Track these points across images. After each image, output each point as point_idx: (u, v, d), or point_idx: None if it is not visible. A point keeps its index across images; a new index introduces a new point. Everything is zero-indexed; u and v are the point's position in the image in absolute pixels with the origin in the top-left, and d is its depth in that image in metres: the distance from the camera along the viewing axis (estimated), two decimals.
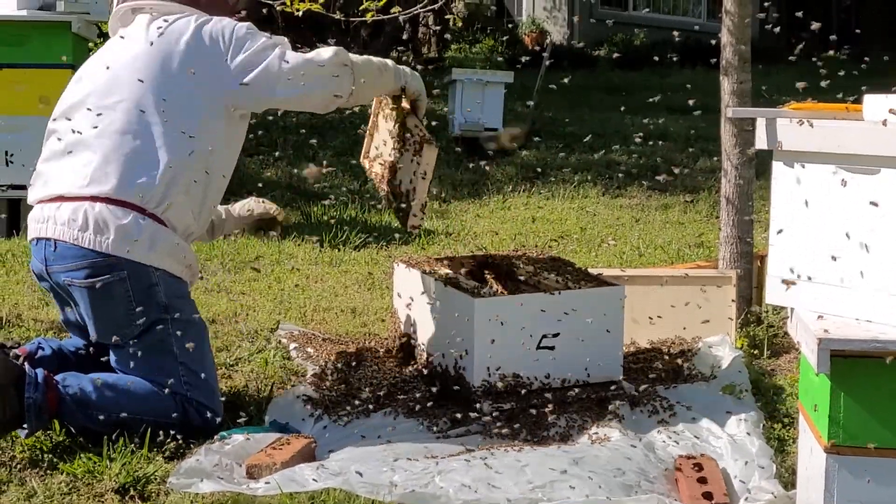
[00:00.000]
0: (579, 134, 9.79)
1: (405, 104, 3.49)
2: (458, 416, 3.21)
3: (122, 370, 3.10)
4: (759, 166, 4.16)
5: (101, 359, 3.18)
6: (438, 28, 15.56)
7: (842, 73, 3.09)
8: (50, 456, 2.89)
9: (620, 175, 8.00)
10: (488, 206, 7.50)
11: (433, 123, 3.79)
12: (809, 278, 2.49)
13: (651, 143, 9.21)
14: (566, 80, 4.85)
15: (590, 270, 3.63)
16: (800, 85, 2.82)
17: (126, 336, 3.07)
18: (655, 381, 3.50)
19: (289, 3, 4.37)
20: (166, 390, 3.04)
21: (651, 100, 4.43)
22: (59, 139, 3.16)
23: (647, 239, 6.15)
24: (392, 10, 4.56)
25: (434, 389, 3.41)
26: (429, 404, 3.29)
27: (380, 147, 3.67)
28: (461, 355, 3.31)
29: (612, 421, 3.14)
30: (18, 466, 2.84)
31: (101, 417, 2.97)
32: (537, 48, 14.84)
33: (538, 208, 7.37)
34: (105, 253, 3.01)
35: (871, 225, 2.37)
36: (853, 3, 21.38)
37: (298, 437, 3.01)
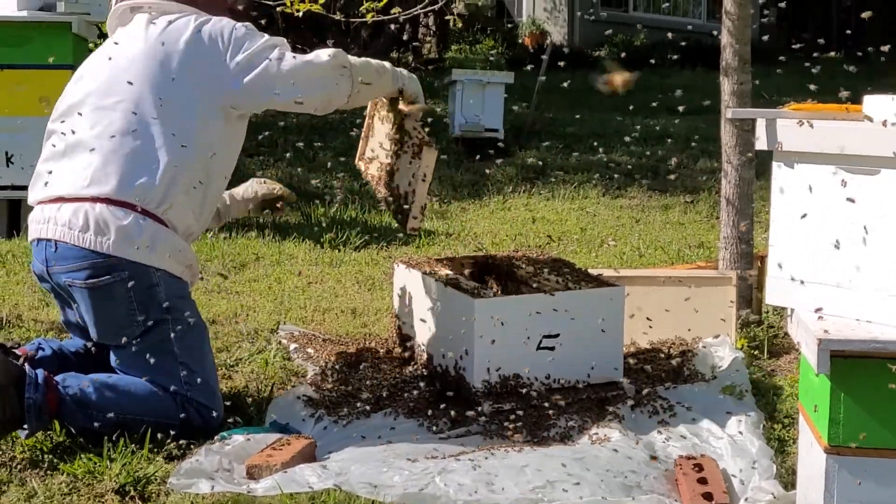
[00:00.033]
0: (579, 134, 9.80)
1: (402, 106, 3.49)
2: (458, 416, 3.21)
3: (122, 371, 3.10)
4: (759, 167, 4.16)
5: (100, 359, 3.18)
6: (439, 28, 15.57)
7: (851, 70, 3.09)
8: (50, 456, 2.89)
9: (616, 175, 7.99)
10: (488, 206, 7.51)
11: (429, 121, 3.78)
12: (809, 279, 2.49)
13: (651, 143, 9.23)
14: (566, 84, 4.85)
15: (590, 271, 3.64)
16: (813, 87, 2.82)
17: (127, 336, 3.07)
18: (655, 381, 3.50)
19: (289, 4, 4.38)
20: (167, 391, 3.04)
21: (653, 104, 4.43)
22: (59, 140, 3.16)
23: (647, 239, 6.15)
24: (392, 11, 4.56)
25: (434, 390, 3.41)
26: (429, 405, 3.29)
27: (375, 149, 3.66)
28: (461, 356, 3.31)
29: (612, 421, 3.14)
30: (19, 467, 2.84)
31: (102, 418, 2.97)
32: (537, 50, 14.83)
33: (532, 209, 7.37)
34: (106, 254, 3.01)
35: (870, 225, 2.37)
36: (853, 4, 21.37)
37: (299, 437, 3.01)
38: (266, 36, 3.21)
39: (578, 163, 8.78)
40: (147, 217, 3.05)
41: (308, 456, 2.92)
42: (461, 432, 3.15)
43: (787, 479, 2.81)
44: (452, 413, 3.23)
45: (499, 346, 3.26)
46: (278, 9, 4.51)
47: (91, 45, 6.72)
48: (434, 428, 3.18)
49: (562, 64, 4.49)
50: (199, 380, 3.07)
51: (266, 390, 3.47)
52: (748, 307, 4.03)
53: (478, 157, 7.56)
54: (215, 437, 2.99)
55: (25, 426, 2.92)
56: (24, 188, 3.38)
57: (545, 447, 2.99)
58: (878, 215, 2.36)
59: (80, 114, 3.14)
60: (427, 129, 3.51)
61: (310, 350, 3.83)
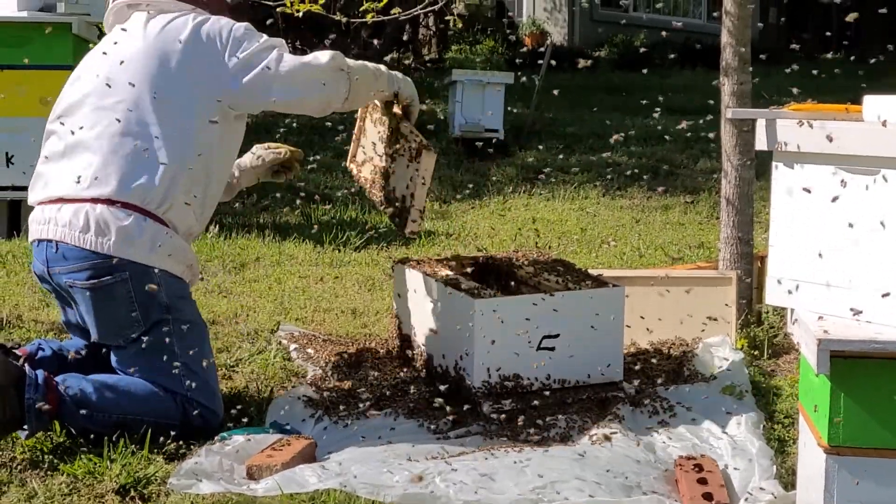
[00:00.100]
0: (579, 134, 9.80)
1: (397, 109, 3.49)
2: (459, 416, 3.21)
3: (122, 371, 3.10)
4: (759, 167, 4.16)
5: (100, 359, 3.18)
6: (439, 29, 15.57)
7: (863, 70, 3.08)
8: (50, 457, 2.89)
9: (610, 177, 7.99)
10: (489, 206, 7.51)
11: (426, 122, 3.79)
12: (809, 279, 2.49)
13: (651, 143, 9.22)
14: (554, 90, 4.85)
15: (590, 271, 3.64)
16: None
17: (127, 337, 3.07)
18: (656, 381, 3.51)
19: (289, 5, 4.38)
20: (167, 391, 3.04)
21: (647, 102, 4.43)
22: (59, 140, 3.16)
23: (647, 240, 6.16)
24: (392, 11, 4.56)
25: (434, 390, 3.41)
26: (429, 405, 3.29)
27: (368, 151, 3.66)
28: (461, 356, 3.31)
29: (612, 422, 3.14)
30: (19, 467, 2.84)
31: (102, 418, 2.97)
32: (540, 49, 14.84)
33: (532, 209, 7.37)
34: (106, 254, 3.02)
35: (870, 225, 2.37)
36: (853, 4, 21.37)
37: (299, 437, 3.02)
38: (265, 36, 3.21)
39: (578, 163, 8.78)
40: (147, 217, 3.05)
41: (308, 456, 2.92)
42: (461, 433, 3.15)
43: (787, 479, 2.81)
44: (453, 413, 3.23)
45: (499, 346, 3.26)
46: (278, 9, 4.51)
47: (91, 45, 6.72)
48: (434, 428, 3.18)
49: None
50: (199, 380, 3.07)
51: (266, 391, 3.48)
52: (748, 307, 4.03)
53: (477, 158, 7.57)
54: (215, 438, 2.99)
55: (25, 427, 2.92)
56: (25, 189, 3.38)
57: (545, 447, 2.99)
58: (878, 215, 2.36)
59: (79, 114, 3.14)
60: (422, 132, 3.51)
61: (310, 350, 3.83)
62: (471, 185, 8.09)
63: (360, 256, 5.67)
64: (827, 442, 2.33)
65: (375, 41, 10.05)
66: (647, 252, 5.76)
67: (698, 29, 18.99)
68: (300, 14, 4.34)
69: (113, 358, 3.13)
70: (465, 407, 3.21)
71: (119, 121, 3.08)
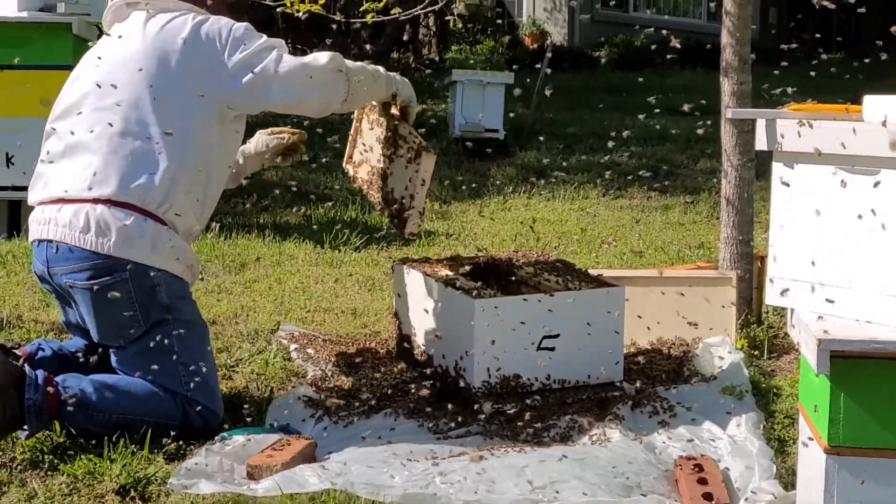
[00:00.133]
0: (580, 135, 9.80)
1: (394, 111, 3.49)
2: (459, 416, 3.21)
3: (123, 371, 3.10)
4: (759, 167, 4.16)
5: (100, 359, 3.18)
6: (439, 29, 15.58)
7: (868, 69, 3.08)
8: (50, 457, 2.89)
9: (610, 177, 7.99)
10: (489, 206, 7.51)
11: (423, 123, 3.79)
12: (809, 279, 2.49)
13: (651, 143, 9.22)
14: (550, 92, 4.85)
15: (590, 271, 3.64)
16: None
17: (128, 337, 3.07)
18: (656, 381, 3.51)
19: (289, 5, 4.38)
20: (167, 391, 3.04)
21: (650, 99, 4.42)
22: (58, 141, 3.16)
23: (647, 240, 6.16)
24: (392, 12, 4.57)
25: (434, 390, 3.41)
26: (429, 405, 3.29)
27: (365, 153, 3.66)
28: (461, 356, 3.31)
29: (612, 422, 3.14)
30: (19, 468, 2.84)
31: (102, 418, 2.97)
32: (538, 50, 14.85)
33: (533, 209, 7.37)
34: (107, 255, 3.02)
35: (870, 225, 2.37)
36: (853, 4, 21.37)
37: (299, 437, 3.02)
38: (264, 37, 3.21)
39: (579, 163, 8.78)
40: (148, 218, 3.05)
41: (308, 456, 2.92)
42: (461, 433, 3.15)
43: (787, 479, 2.81)
44: (453, 413, 3.23)
45: (499, 346, 3.26)
46: (278, 9, 4.51)
47: (90, 45, 6.72)
48: (434, 428, 3.18)
49: (548, 69, 4.43)
50: (199, 380, 3.07)
51: (266, 391, 3.48)
52: (748, 307, 4.03)
53: (477, 158, 7.57)
54: (215, 438, 2.99)
55: (25, 427, 2.92)
56: (25, 189, 3.38)
57: (545, 447, 2.99)
58: (877, 215, 2.36)
59: (78, 114, 3.14)
60: (421, 134, 3.51)
61: (310, 350, 3.83)
62: (471, 186, 8.09)
63: (361, 256, 5.67)
64: (827, 442, 2.33)
65: (369, 47, 10.06)
66: (647, 252, 5.76)
67: (698, 29, 18.99)
68: (300, 14, 4.34)
69: (113, 358, 3.13)
70: (466, 407, 3.21)
71: (119, 121, 3.07)
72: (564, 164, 8.74)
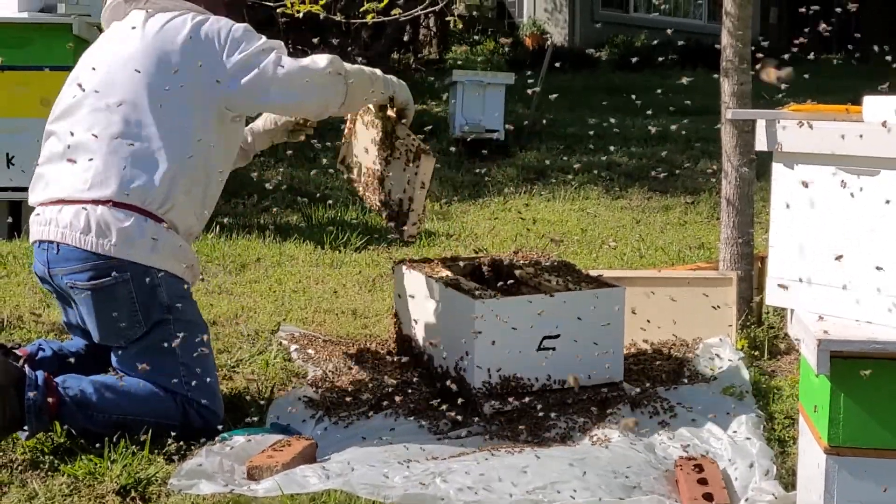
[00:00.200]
0: (580, 135, 9.80)
1: (391, 113, 3.49)
2: (459, 417, 3.21)
3: (123, 371, 3.10)
4: (759, 167, 4.16)
5: (101, 360, 3.19)
6: (439, 29, 15.58)
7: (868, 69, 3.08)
8: (51, 458, 2.89)
9: (611, 177, 8.00)
10: (489, 207, 7.51)
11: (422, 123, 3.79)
12: (809, 280, 2.49)
13: (652, 144, 9.22)
14: (552, 94, 4.85)
15: (590, 272, 3.64)
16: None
17: (128, 338, 3.07)
18: (656, 382, 3.51)
19: (289, 5, 4.38)
20: (168, 391, 3.04)
21: (637, 102, 4.41)
22: (58, 141, 3.16)
23: (647, 240, 6.16)
24: (393, 12, 4.57)
25: (435, 391, 3.42)
26: (429, 406, 3.29)
27: (360, 155, 3.66)
28: (462, 356, 3.32)
29: (612, 422, 3.14)
30: (19, 468, 2.84)
31: (102, 419, 2.97)
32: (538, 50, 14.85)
33: (533, 210, 7.37)
34: (107, 255, 3.02)
35: (870, 226, 2.38)
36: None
37: (299, 438, 3.02)
38: (264, 38, 3.21)
39: (579, 164, 8.78)
40: (148, 218, 3.05)
41: (309, 457, 2.92)
42: (462, 433, 3.15)
43: (788, 479, 2.81)
44: (453, 414, 3.23)
45: (499, 346, 3.26)
46: (278, 9, 4.51)
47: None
48: (435, 429, 3.19)
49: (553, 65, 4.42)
50: (199, 380, 3.07)
51: (266, 391, 3.48)
52: (748, 308, 4.03)
53: (478, 158, 7.57)
54: (216, 438, 2.99)
55: (26, 428, 2.92)
56: (25, 189, 3.38)
57: (546, 448, 2.99)
58: (877, 216, 2.36)
59: (78, 115, 3.14)
60: (422, 137, 3.50)
61: (310, 351, 3.83)
62: (472, 186, 8.09)
63: (361, 257, 5.67)
64: (827, 442, 2.33)
65: (361, 54, 10.06)
66: (647, 252, 5.76)
67: (698, 29, 18.99)
68: (300, 15, 4.34)
69: (113, 358, 3.13)
70: (466, 408, 3.21)
71: (118, 121, 3.07)
72: (567, 160, 8.73)
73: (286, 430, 3.14)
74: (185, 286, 3.17)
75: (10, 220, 6.17)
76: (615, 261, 5.55)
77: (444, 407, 3.26)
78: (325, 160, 7.87)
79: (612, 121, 6.74)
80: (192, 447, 2.96)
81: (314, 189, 7.70)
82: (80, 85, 3.18)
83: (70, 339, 3.40)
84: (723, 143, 4.12)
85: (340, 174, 3.84)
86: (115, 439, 2.91)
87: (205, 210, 3.22)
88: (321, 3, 4.40)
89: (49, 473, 2.81)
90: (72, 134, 3.11)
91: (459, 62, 15.37)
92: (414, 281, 3.64)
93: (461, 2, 18.09)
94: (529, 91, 5.54)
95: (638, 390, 3.40)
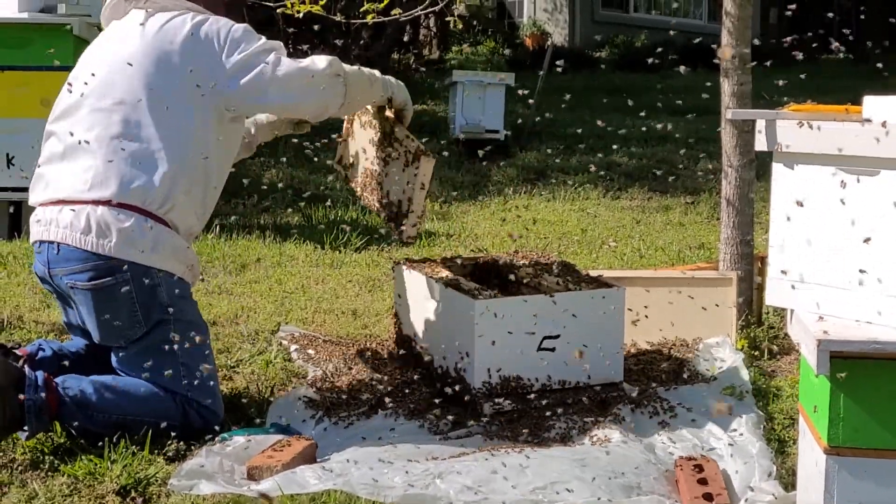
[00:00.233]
0: (580, 135, 9.81)
1: (389, 114, 3.49)
2: (459, 417, 3.22)
3: (123, 371, 3.10)
4: (759, 168, 4.16)
5: (101, 360, 3.19)
6: (440, 30, 15.58)
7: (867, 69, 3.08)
8: (51, 458, 2.89)
9: (611, 178, 8.00)
10: (489, 207, 7.51)
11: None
12: (809, 280, 2.49)
13: (652, 144, 9.21)
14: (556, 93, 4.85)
15: (590, 272, 3.64)
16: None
17: (129, 338, 3.07)
18: (656, 382, 3.51)
19: (289, 6, 4.38)
20: (168, 391, 3.04)
21: (629, 102, 4.42)
22: (58, 142, 3.16)
23: (647, 240, 6.16)
24: (393, 12, 4.57)
25: (435, 391, 3.42)
26: (429, 406, 3.29)
27: (358, 155, 3.66)
28: (462, 357, 3.32)
29: (612, 422, 3.14)
30: (19, 468, 2.84)
31: (102, 419, 2.97)
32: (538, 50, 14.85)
33: (533, 210, 7.38)
34: (108, 255, 3.02)
35: (870, 226, 2.38)
36: (853, 4, 21.39)
37: (299, 438, 3.02)
38: (263, 38, 3.21)
39: (579, 164, 8.78)
40: (149, 218, 3.05)
41: (309, 457, 2.92)
42: (462, 433, 3.15)
43: (788, 479, 2.81)
44: (453, 414, 3.23)
45: (499, 347, 3.26)
46: (279, 10, 4.51)
47: None
48: (435, 429, 3.19)
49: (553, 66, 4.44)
50: (199, 380, 3.07)
51: (267, 391, 3.48)
52: (748, 308, 4.03)
53: (478, 159, 7.57)
54: (216, 439, 2.99)
55: (26, 428, 2.92)
56: (25, 190, 3.38)
57: (546, 448, 2.99)
58: (877, 216, 2.36)
59: (77, 115, 3.14)
60: (422, 139, 3.50)
61: (310, 351, 3.83)
62: (472, 186, 8.09)
63: (361, 257, 5.67)
64: (827, 442, 2.33)
65: (361, 55, 10.05)
66: (647, 253, 5.76)
67: (698, 29, 18.99)
68: (300, 15, 4.35)
69: (113, 358, 3.13)
70: (466, 408, 3.22)
71: (118, 122, 3.07)
72: (565, 164, 8.73)
73: (286, 430, 3.14)
74: (186, 286, 3.18)
75: (10, 220, 6.18)
76: (615, 261, 5.55)
77: (444, 407, 3.26)
78: (327, 160, 7.88)
79: (600, 124, 6.74)
80: (193, 447, 2.96)
81: (314, 189, 7.70)
82: (78, 85, 3.18)
83: (70, 339, 3.40)
84: (723, 144, 4.12)
85: (339, 174, 3.83)
86: (115, 439, 2.92)
87: (205, 210, 3.22)
88: (321, 3, 4.40)
89: (49, 474, 2.81)
90: (71, 134, 3.11)
91: (459, 62, 15.38)
92: (414, 281, 3.64)
93: (461, 2, 18.09)
94: (520, 91, 5.53)
95: (638, 390, 3.40)
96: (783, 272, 2.53)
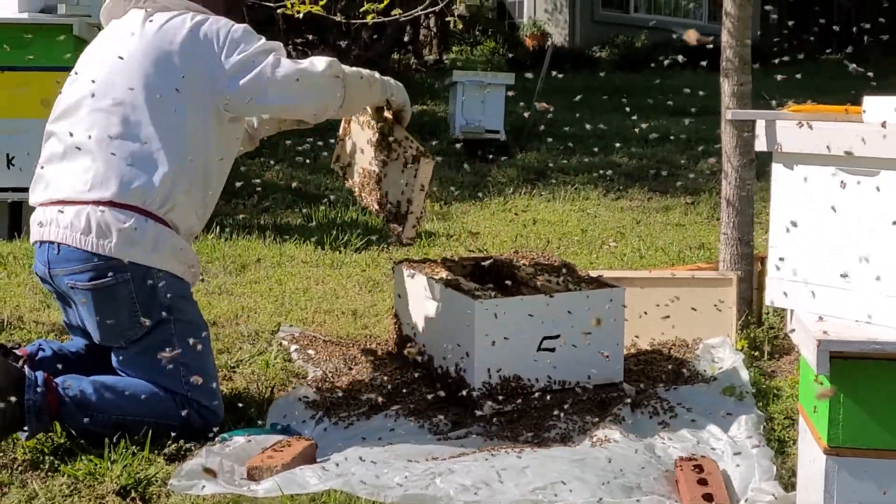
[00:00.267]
0: (580, 135, 9.81)
1: (388, 115, 3.49)
2: (459, 417, 3.22)
3: (123, 371, 3.10)
4: (759, 168, 4.16)
5: (101, 360, 3.19)
6: (440, 30, 15.58)
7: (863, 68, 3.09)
8: (51, 458, 2.89)
9: (611, 178, 8.00)
10: (489, 207, 7.51)
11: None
12: (809, 280, 2.49)
13: (652, 145, 9.21)
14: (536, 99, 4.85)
15: (590, 272, 3.64)
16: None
17: (129, 338, 3.07)
18: (656, 382, 3.51)
19: (289, 6, 4.38)
20: (168, 391, 3.04)
21: (626, 104, 4.42)
22: (58, 142, 3.16)
23: (647, 241, 6.16)
24: (393, 13, 4.57)
25: (435, 391, 3.42)
26: (429, 406, 3.29)
27: (356, 155, 3.65)
28: (462, 357, 3.32)
29: (612, 422, 3.14)
30: (20, 468, 2.84)
31: (102, 419, 2.97)
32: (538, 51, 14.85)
33: (533, 210, 7.38)
34: (108, 256, 3.02)
35: (870, 226, 2.38)
36: (853, 5, 21.39)
37: (299, 438, 3.02)
38: (263, 39, 3.21)
39: (579, 164, 8.78)
40: (149, 218, 3.05)
41: (308, 457, 2.92)
42: (462, 434, 3.15)
43: (788, 480, 2.81)
44: (453, 414, 3.23)
45: (499, 347, 3.26)
46: (279, 10, 4.51)
47: None
48: (435, 429, 3.19)
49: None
50: (199, 381, 3.07)
51: (267, 392, 3.48)
52: (748, 308, 4.03)
53: (478, 159, 7.57)
54: (216, 439, 2.99)
55: (26, 428, 2.92)
56: (26, 190, 3.38)
57: (546, 448, 2.99)
58: (877, 216, 2.36)
59: (77, 115, 3.14)
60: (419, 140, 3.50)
61: (310, 351, 3.83)
62: (472, 187, 8.09)
63: (361, 257, 5.67)
64: (827, 442, 2.33)
65: (361, 55, 10.05)
66: (647, 253, 5.76)
67: (699, 30, 18.96)
68: (300, 15, 4.35)
69: (114, 359, 3.13)
70: (466, 408, 3.22)
71: (117, 122, 3.07)
72: (565, 165, 8.73)
73: (286, 430, 3.14)
74: (186, 286, 3.18)
75: (10, 220, 6.18)
76: (615, 261, 5.55)
77: (444, 407, 3.26)
78: (327, 160, 7.88)
79: (594, 125, 6.76)
80: (193, 447, 2.96)
81: (314, 189, 7.70)
82: (79, 86, 3.18)
83: (70, 340, 3.40)
84: (723, 144, 4.12)
85: (336, 174, 3.83)
86: (115, 439, 2.92)
87: (205, 210, 3.22)
88: (321, 3, 4.40)
89: (49, 474, 2.81)
90: (71, 135, 3.11)
91: (459, 63, 15.38)
92: (414, 281, 3.64)
93: (461, 2, 18.09)
94: (511, 92, 5.56)
95: (638, 390, 3.40)
96: (783, 272, 2.53)
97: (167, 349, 3.03)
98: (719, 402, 3.34)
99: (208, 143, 3.15)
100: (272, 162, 8.42)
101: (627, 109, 8.91)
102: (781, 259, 2.54)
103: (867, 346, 2.28)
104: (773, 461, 2.90)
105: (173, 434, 2.98)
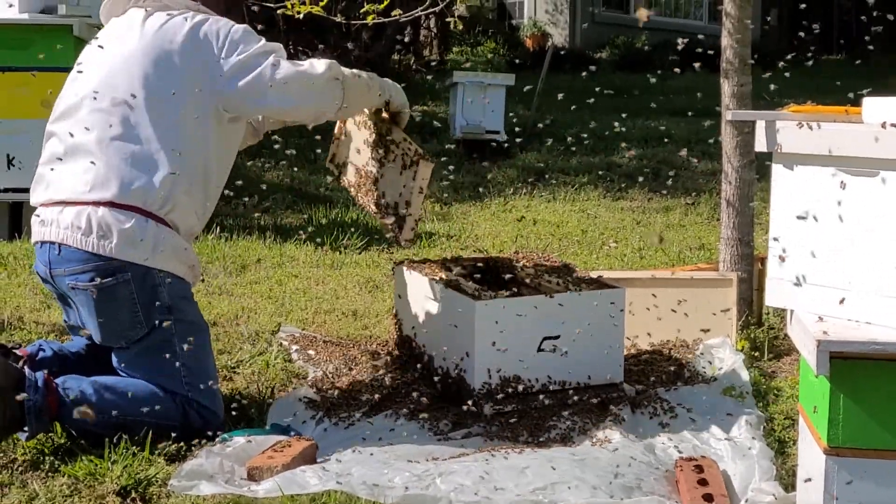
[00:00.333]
0: (580, 136, 9.81)
1: (386, 115, 3.49)
2: (459, 417, 3.22)
3: (124, 372, 3.10)
4: (759, 168, 4.16)
5: (101, 360, 3.19)
6: (440, 30, 15.59)
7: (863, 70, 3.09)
8: (51, 458, 2.89)
9: (611, 178, 8.01)
10: (489, 208, 7.51)
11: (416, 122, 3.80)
12: (809, 280, 2.49)
13: (652, 145, 9.20)
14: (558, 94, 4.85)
15: (591, 273, 3.64)
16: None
17: (130, 338, 3.07)
18: (656, 383, 3.51)
19: (290, 6, 4.38)
20: (168, 392, 3.04)
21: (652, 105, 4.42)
22: (59, 142, 3.16)
23: (648, 241, 6.16)
24: (393, 13, 4.57)
25: (435, 391, 3.42)
26: (429, 406, 3.29)
27: (352, 155, 3.65)
28: (462, 357, 3.32)
29: (612, 423, 3.15)
30: (20, 469, 2.84)
31: (102, 419, 2.97)
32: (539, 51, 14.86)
33: (533, 210, 7.38)
34: (108, 256, 3.02)
35: (870, 226, 2.38)
36: (853, 6, 21.38)
37: (299, 439, 3.02)
38: (263, 40, 3.20)
39: (579, 165, 8.78)
40: (149, 219, 3.05)
41: (309, 457, 2.92)
42: (462, 434, 3.15)
43: (788, 480, 2.81)
44: (453, 415, 3.23)
45: (499, 347, 3.26)
46: (279, 10, 4.51)
47: None
48: (435, 430, 3.19)
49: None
50: (199, 381, 3.07)
51: (267, 392, 3.48)
52: (748, 309, 4.03)
53: (478, 159, 7.57)
54: (216, 439, 2.99)
55: (26, 428, 2.93)
56: (26, 191, 3.39)
57: (546, 449, 2.99)
58: (877, 217, 2.36)
59: (77, 116, 3.14)
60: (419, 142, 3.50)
61: (311, 352, 3.83)
62: (472, 187, 8.09)
63: (361, 258, 5.67)
64: (827, 443, 2.33)
65: (361, 56, 10.05)
66: (647, 253, 5.77)
67: (699, 30, 18.99)
68: (301, 16, 4.35)
69: (114, 359, 3.13)
70: (466, 408, 3.22)
71: (117, 122, 3.07)
72: (565, 165, 8.73)
73: (286, 430, 3.14)
74: (187, 287, 3.18)
75: (10, 220, 6.18)
76: (615, 262, 5.55)
77: (444, 407, 3.26)
78: (327, 160, 7.87)
79: (593, 125, 6.76)
80: (193, 448, 2.96)
81: (314, 189, 7.70)
82: (79, 85, 3.18)
83: (70, 340, 3.40)
84: (723, 144, 4.12)
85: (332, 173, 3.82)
86: (115, 440, 2.92)
87: (206, 210, 3.22)
88: (322, 3, 4.40)
89: (49, 474, 2.82)
90: (71, 135, 3.11)
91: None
92: (414, 282, 3.64)
93: (462, 3, 18.09)
94: (502, 94, 5.57)
95: (638, 390, 3.40)
96: (783, 273, 2.53)
97: (168, 349, 3.03)
98: (719, 403, 3.34)
99: (208, 143, 3.15)
100: (273, 162, 8.42)
101: (624, 115, 8.91)
102: (781, 259, 2.54)
103: (867, 346, 2.28)
104: (773, 461, 2.90)
105: (173, 434, 2.98)
